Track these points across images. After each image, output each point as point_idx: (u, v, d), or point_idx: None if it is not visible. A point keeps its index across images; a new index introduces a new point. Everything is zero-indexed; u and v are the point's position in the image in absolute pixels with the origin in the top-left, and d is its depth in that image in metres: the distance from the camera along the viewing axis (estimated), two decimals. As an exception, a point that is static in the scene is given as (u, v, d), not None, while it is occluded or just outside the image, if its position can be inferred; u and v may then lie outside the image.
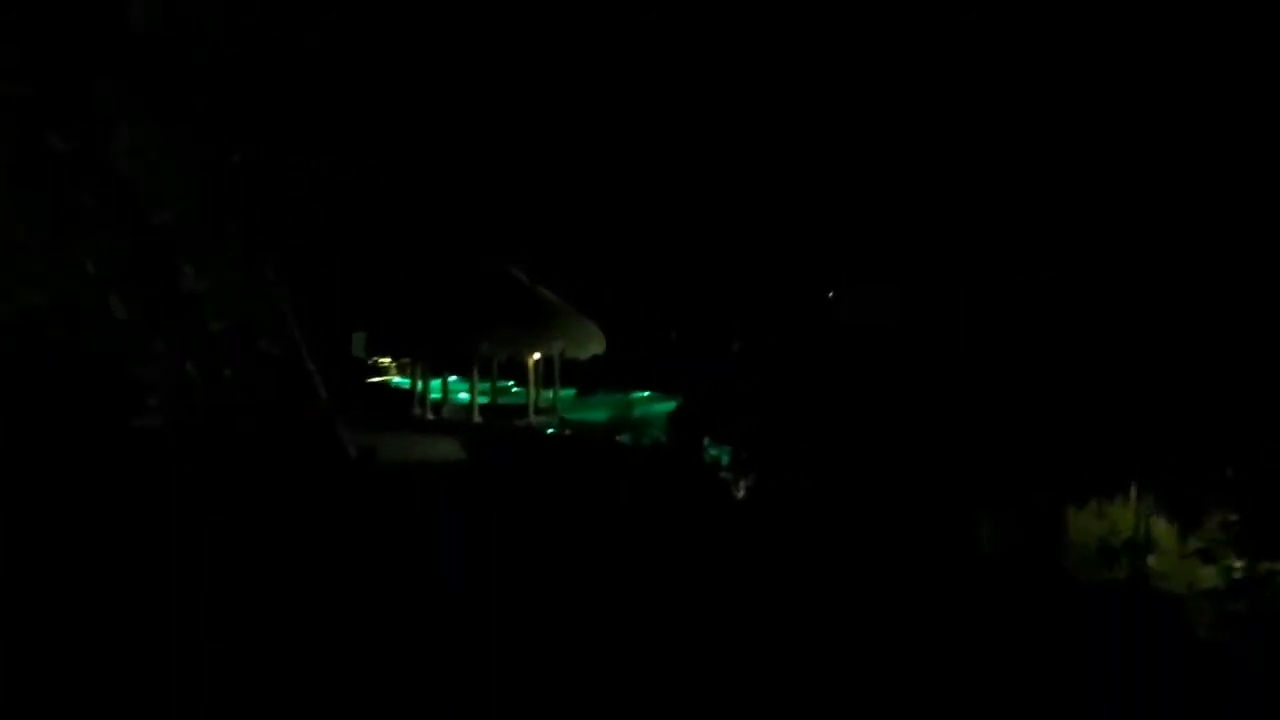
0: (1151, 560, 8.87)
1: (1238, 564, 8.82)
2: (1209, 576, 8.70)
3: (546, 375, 23.71)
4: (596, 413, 20.60)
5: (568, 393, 24.45)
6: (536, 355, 22.87)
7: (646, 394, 24.70)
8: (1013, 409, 11.82)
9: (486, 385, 23.98)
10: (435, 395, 23.58)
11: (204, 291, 8.04)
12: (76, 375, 4.95)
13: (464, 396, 23.58)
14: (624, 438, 12.41)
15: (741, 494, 9.42)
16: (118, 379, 5.40)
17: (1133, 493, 9.57)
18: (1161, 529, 9.32)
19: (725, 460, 10.77)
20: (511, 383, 26.32)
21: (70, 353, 4.95)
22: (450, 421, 21.92)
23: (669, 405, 17.71)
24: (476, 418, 21.97)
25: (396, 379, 29.40)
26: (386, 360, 29.43)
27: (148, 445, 5.46)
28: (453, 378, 24.50)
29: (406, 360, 26.10)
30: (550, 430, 19.62)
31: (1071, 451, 10.82)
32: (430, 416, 22.76)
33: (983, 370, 12.28)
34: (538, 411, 22.58)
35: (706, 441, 11.11)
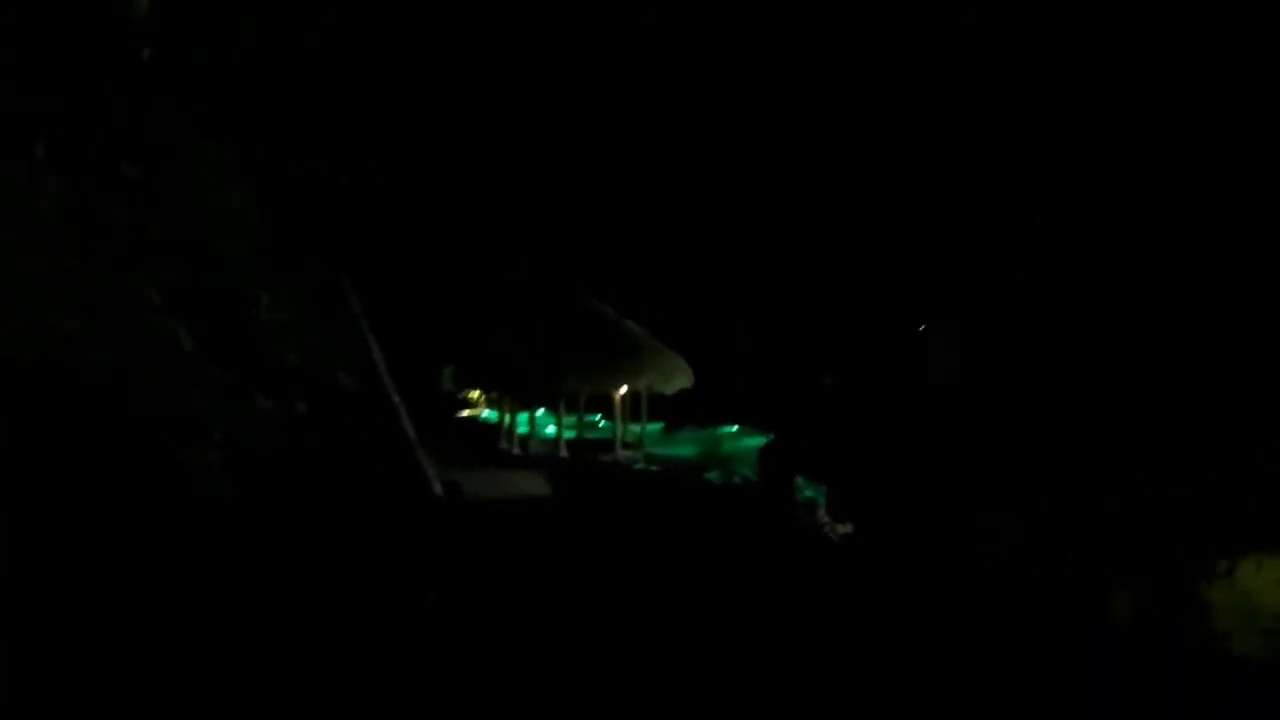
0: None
1: None
2: None
3: (633, 409, 23.27)
4: (684, 448, 19.99)
5: (655, 427, 23.93)
6: (623, 389, 22.44)
7: (734, 429, 24.06)
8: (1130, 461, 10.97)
9: (573, 419, 23.62)
10: (523, 429, 23.31)
11: (280, 323, 7.75)
12: (118, 410, 4.59)
13: (551, 431, 23.25)
14: (713, 475, 11.78)
15: (838, 539, 8.70)
16: (172, 415, 5.05)
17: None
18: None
19: (820, 500, 10.09)
20: (599, 416, 25.93)
21: (114, 386, 4.61)
22: (537, 456, 21.58)
23: (758, 440, 17.06)
24: (563, 453, 21.58)
25: (485, 413, 29.26)
26: (475, 394, 29.35)
27: (203, 484, 5.09)
28: (540, 411, 24.22)
29: (494, 395, 25.91)
30: (637, 466, 19.09)
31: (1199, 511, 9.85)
32: (517, 451, 22.46)
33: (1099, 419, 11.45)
34: (624, 446, 22.11)
35: (800, 480, 10.42)
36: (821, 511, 9.75)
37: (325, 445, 7.71)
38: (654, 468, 15.86)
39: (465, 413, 29.34)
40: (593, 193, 24.19)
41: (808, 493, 10.24)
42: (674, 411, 24.15)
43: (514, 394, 22.86)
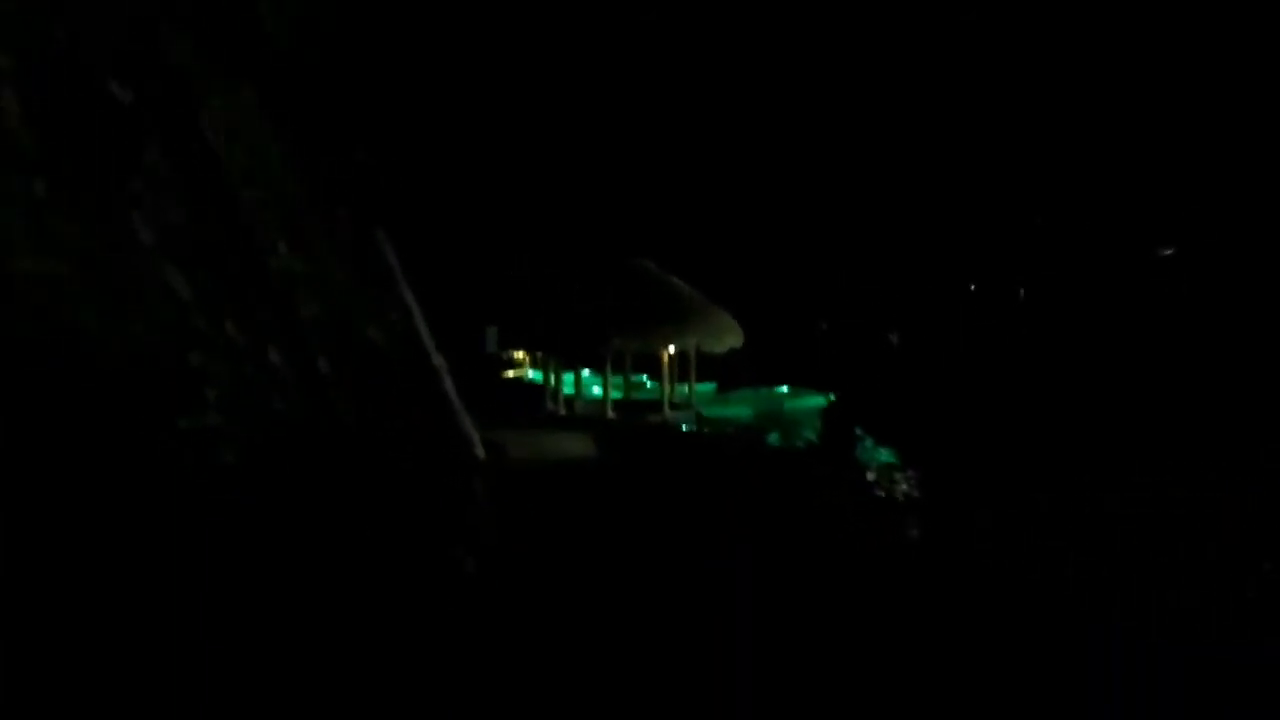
0: None
1: None
2: None
3: (681, 369, 22.43)
4: (739, 409, 19.01)
5: (706, 388, 23.02)
6: (671, 349, 21.55)
7: (785, 389, 23.11)
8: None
9: (620, 380, 22.81)
10: (568, 390, 22.58)
11: (300, 273, 6.92)
12: (97, 369, 3.79)
13: (597, 391, 22.47)
14: (773, 438, 10.85)
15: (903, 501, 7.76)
16: (164, 369, 4.23)
17: None
18: None
19: (894, 462, 9.16)
20: (645, 377, 25.11)
21: (96, 339, 3.81)
22: (583, 417, 20.82)
23: (816, 401, 16.08)
24: (610, 414, 20.78)
25: (531, 373, 28.57)
26: (520, 355, 28.64)
27: (200, 450, 4.29)
28: (586, 372, 23.44)
29: (539, 355, 25.16)
30: (686, 427, 18.20)
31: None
32: (563, 412, 21.73)
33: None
34: (672, 407, 21.29)
35: (869, 442, 9.46)
36: (899, 478, 8.83)
37: (351, 405, 6.90)
38: (706, 430, 14.96)
39: (510, 373, 28.69)
40: (641, 146, 23.16)
41: (882, 456, 9.28)
42: (726, 371, 23.22)
43: (559, 354, 22.11)
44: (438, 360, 13.94)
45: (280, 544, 5.03)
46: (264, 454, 5.03)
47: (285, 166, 8.25)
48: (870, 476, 8.95)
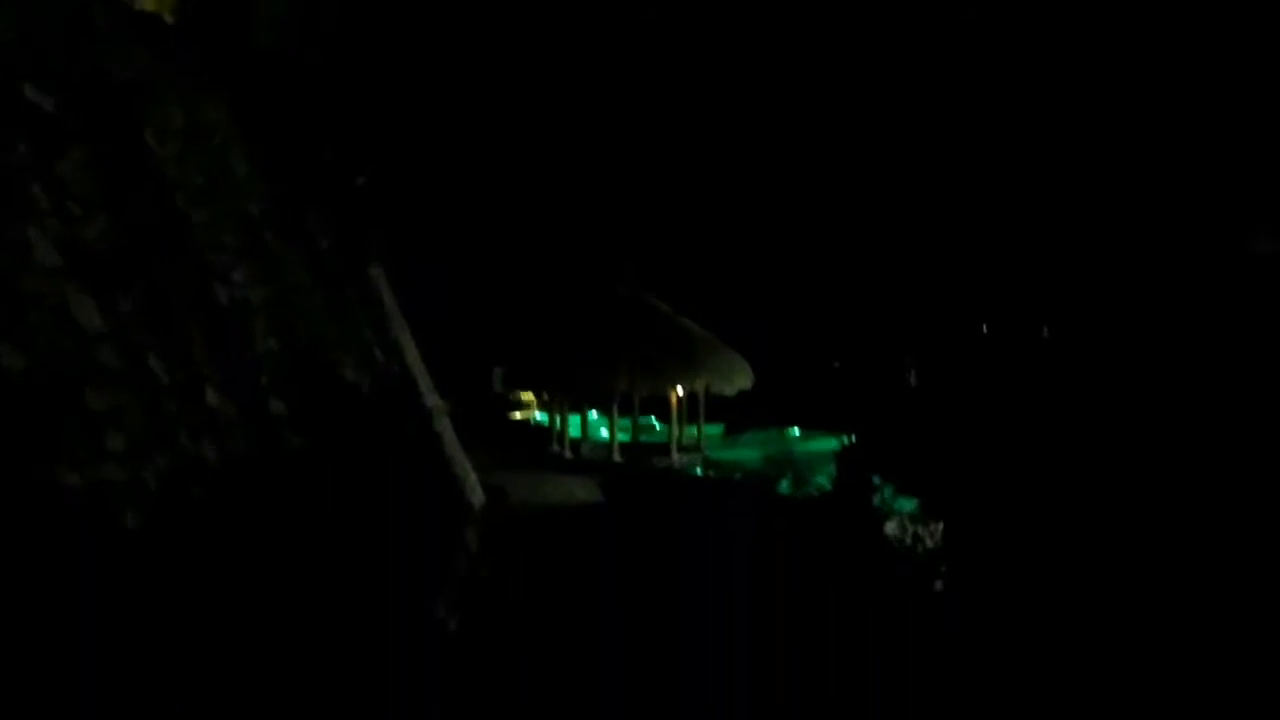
0: None
1: None
2: None
3: (690, 411, 21.57)
4: (747, 452, 18.06)
5: (715, 429, 22.11)
6: (680, 390, 20.70)
7: (797, 432, 22.21)
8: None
9: (627, 422, 21.96)
10: (574, 432, 21.72)
11: (256, 303, 6.14)
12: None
13: (604, 434, 21.60)
14: (784, 485, 9.95)
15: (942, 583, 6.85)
16: (49, 412, 3.44)
17: None
18: None
19: (914, 512, 8.27)
20: (653, 418, 24.25)
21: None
22: (589, 460, 19.93)
23: (828, 444, 15.17)
24: (616, 456, 19.89)
25: (537, 414, 27.73)
26: (528, 396, 27.83)
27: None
28: (593, 413, 22.60)
29: (546, 396, 24.34)
30: (695, 470, 17.31)
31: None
32: (568, 455, 20.85)
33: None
34: (681, 449, 20.39)
35: (888, 491, 8.56)
36: (922, 531, 7.93)
37: (312, 453, 6.08)
38: (712, 473, 14.07)
39: (516, 415, 27.87)
40: (651, 185, 22.50)
41: (902, 505, 8.37)
42: (734, 413, 22.31)
43: (566, 395, 21.30)
44: (432, 402, 13.13)
45: (201, 621, 4.18)
46: (184, 513, 4.21)
47: (254, 186, 7.52)
48: (890, 529, 8.06)
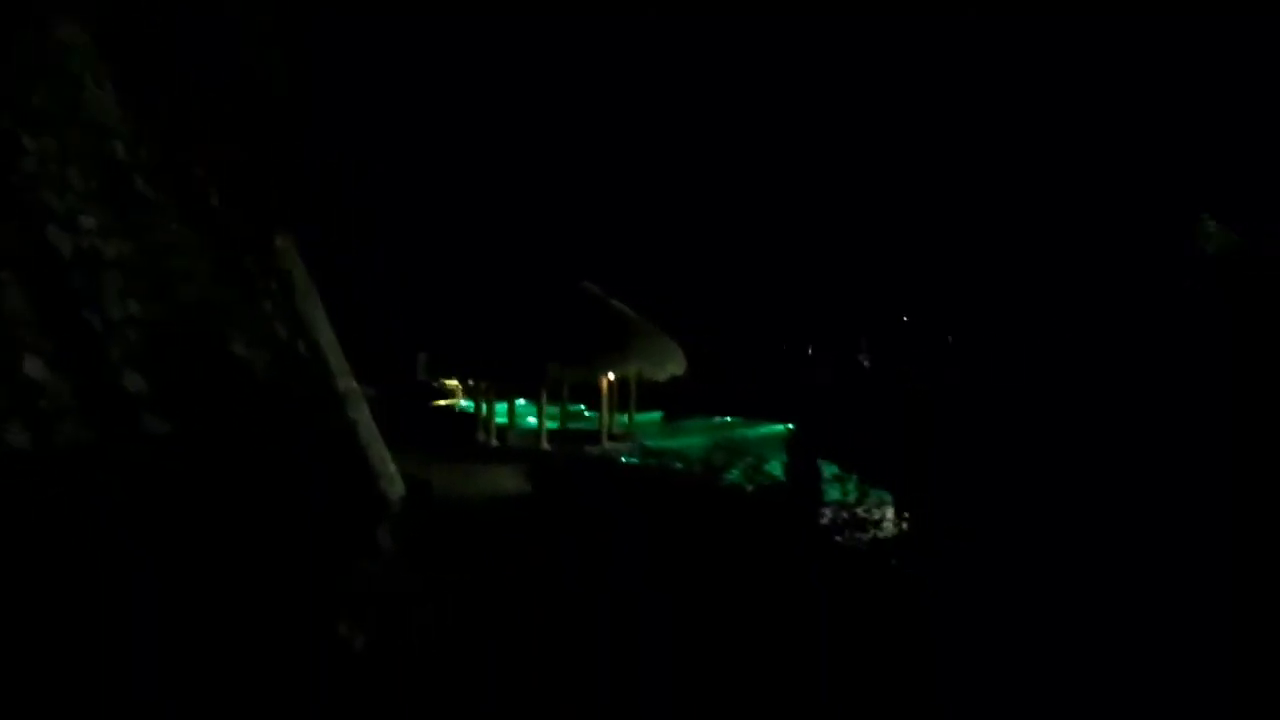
0: None
1: None
2: None
3: (621, 398, 20.59)
4: (689, 439, 17.11)
5: (650, 417, 21.14)
6: (610, 376, 19.69)
7: (729, 419, 21.39)
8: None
9: (555, 409, 20.87)
10: (501, 420, 20.57)
11: (111, 259, 4.91)
12: None
13: (532, 421, 20.49)
14: (734, 474, 9.03)
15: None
16: None
17: None
18: None
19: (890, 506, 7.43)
20: (583, 406, 23.20)
21: None
22: (517, 449, 18.81)
23: (770, 430, 14.34)
24: (545, 445, 18.80)
25: (463, 402, 26.44)
26: (454, 383, 26.51)
27: None
28: (520, 401, 21.46)
29: (471, 383, 23.11)
30: (627, 459, 16.35)
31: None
32: (495, 443, 19.71)
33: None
34: (612, 438, 19.40)
35: (853, 482, 7.68)
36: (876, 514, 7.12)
37: (178, 437, 4.89)
38: (650, 461, 13.15)
39: (441, 402, 26.54)
40: (583, 164, 21.42)
41: (872, 494, 7.50)
42: (668, 400, 21.38)
43: (491, 382, 20.12)
44: (345, 386, 11.85)
45: (32, 635, 3.03)
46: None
47: (122, 123, 6.21)
48: (840, 515, 7.24)
